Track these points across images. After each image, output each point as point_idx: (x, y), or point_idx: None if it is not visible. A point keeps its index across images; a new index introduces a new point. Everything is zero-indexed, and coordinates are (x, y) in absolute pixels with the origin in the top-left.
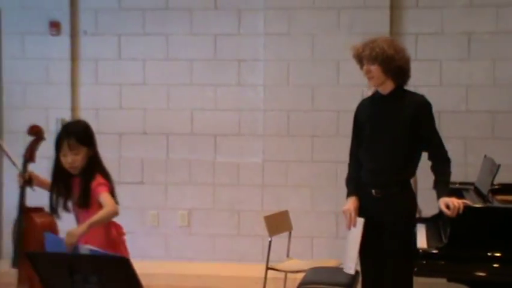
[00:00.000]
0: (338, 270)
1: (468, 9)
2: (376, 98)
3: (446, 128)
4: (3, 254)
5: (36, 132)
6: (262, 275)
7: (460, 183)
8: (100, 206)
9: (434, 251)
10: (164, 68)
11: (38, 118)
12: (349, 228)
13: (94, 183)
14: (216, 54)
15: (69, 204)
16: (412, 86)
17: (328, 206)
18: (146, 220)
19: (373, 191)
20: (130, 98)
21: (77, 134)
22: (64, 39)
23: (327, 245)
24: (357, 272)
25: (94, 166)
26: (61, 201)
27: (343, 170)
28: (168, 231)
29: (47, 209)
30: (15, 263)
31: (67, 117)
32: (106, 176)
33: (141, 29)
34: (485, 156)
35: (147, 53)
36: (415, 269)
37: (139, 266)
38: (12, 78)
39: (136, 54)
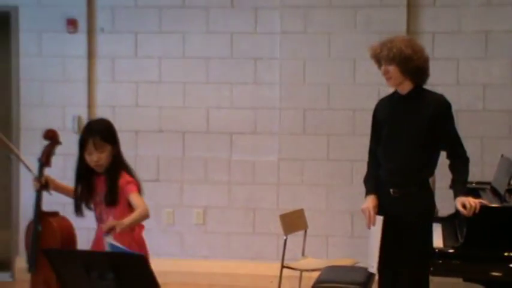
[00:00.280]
0: (353, 269)
1: (485, 7)
2: (395, 97)
3: (463, 127)
4: (20, 252)
5: (52, 137)
6: (278, 274)
7: (477, 183)
8: (127, 203)
9: (451, 251)
10: (180, 66)
11: (55, 116)
12: (368, 227)
13: (122, 181)
14: (232, 53)
15: (91, 203)
16: (429, 84)
17: (344, 204)
18: (162, 218)
19: (391, 190)
20: (147, 95)
21: (101, 132)
22: (81, 37)
23: (342, 243)
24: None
25: (119, 164)
26: (85, 200)
27: (358, 169)
28: (184, 229)
29: (62, 213)
30: (33, 267)
31: (84, 114)
32: (131, 173)
33: (157, 27)
34: (502, 155)
35: (164, 51)
36: (431, 269)
37: (155, 264)
38: (29, 76)
39: (153, 52)
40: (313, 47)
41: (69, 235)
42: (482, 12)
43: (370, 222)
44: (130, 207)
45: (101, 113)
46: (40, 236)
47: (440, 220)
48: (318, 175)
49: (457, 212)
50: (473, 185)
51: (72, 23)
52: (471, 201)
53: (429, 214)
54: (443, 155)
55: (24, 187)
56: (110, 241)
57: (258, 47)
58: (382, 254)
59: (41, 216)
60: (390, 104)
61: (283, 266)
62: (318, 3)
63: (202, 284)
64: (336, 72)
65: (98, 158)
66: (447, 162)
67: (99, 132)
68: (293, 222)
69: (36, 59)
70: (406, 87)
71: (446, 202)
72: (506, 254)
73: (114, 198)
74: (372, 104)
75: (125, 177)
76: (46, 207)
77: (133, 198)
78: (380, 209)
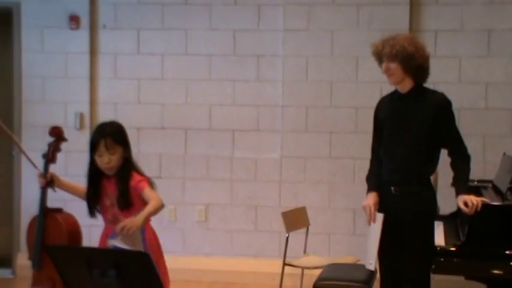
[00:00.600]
0: (355, 266)
1: (488, 6)
2: (395, 96)
3: (465, 126)
4: (21, 249)
5: (58, 133)
6: (279, 271)
7: (479, 181)
8: (142, 203)
9: (452, 249)
10: (183, 63)
11: (57, 112)
12: (369, 223)
13: (133, 182)
14: (235, 50)
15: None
16: (431, 83)
17: (346, 202)
18: (164, 215)
19: (392, 188)
20: (149, 92)
21: (112, 133)
22: (83, 33)
23: (344, 241)
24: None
25: (130, 166)
26: (95, 202)
27: (361, 167)
28: (186, 226)
29: (64, 209)
30: (38, 264)
31: (86, 111)
32: (142, 174)
33: (160, 24)
34: (504, 153)
35: (166, 48)
36: (433, 267)
37: None
38: (31, 72)
39: (155, 49)
40: (316, 44)
41: (75, 231)
42: (485, 11)
43: (371, 219)
44: (145, 205)
45: (103, 109)
46: (45, 233)
47: (442, 218)
48: (320, 173)
49: (459, 210)
50: (475, 183)
51: (74, 20)
52: (473, 199)
53: (430, 212)
54: (445, 153)
55: (26, 184)
56: (114, 244)
57: (261, 44)
58: (380, 251)
59: (46, 213)
60: (391, 102)
61: (285, 264)
62: (321, 1)
63: (204, 281)
64: (338, 70)
65: (108, 159)
66: (449, 160)
67: (110, 133)
68: (295, 219)
69: (38, 56)
70: (406, 85)
71: (448, 200)
72: (508, 252)
73: (127, 201)
74: (374, 102)
75: (135, 178)
76: (48, 203)
77: (146, 193)
78: (381, 207)
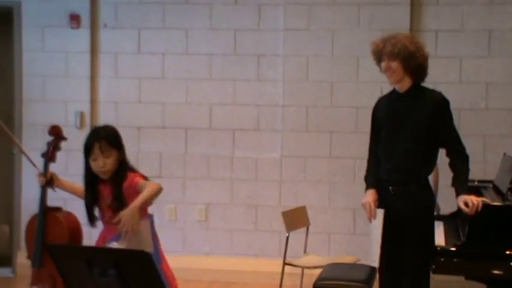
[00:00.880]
0: (355, 266)
1: (488, 6)
2: (393, 95)
3: (466, 126)
4: (21, 247)
5: (57, 132)
6: (279, 270)
7: (479, 181)
8: None
9: (452, 249)
10: (183, 62)
11: (57, 111)
12: (369, 220)
13: (126, 183)
14: (235, 49)
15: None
16: (431, 83)
17: (346, 202)
18: (164, 214)
19: (390, 188)
20: (150, 92)
21: (107, 137)
22: (84, 33)
23: (344, 241)
24: (374, 268)
25: (125, 170)
26: (93, 207)
27: (361, 166)
28: (186, 225)
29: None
30: (39, 262)
31: (86, 110)
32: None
33: (161, 23)
34: (504, 154)
35: (167, 47)
36: (433, 267)
37: None
38: (32, 71)
39: (156, 48)
40: (317, 44)
41: (76, 229)
42: (486, 11)
43: (371, 216)
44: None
45: (103, 108)
46: (46, 231)
47: (442, 218)
48: (320, 172)
49: (459, 210)
50: (476, 183)
51: (75, 19)
52: (473, 200)
53: (429, 211)
54: (444, 153)
55: (26, 183)
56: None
57: (262, 43)
58: (383, 249)
59: (46, 212)
60: (389, 102)
61: (285, 263)
62: (322, 1)
63: (204, 281)
64: (339, 70)
65: (103, 163)
66: (447, 160)
67: (105, 136)
68: (295, 219)
69: (39, 54)
70: (405, 84)
71: (448, 200)
72: (508, 252)
73: (121, 203)
74: (374, 102)
75: (129, 178)
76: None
77: (141, 185)
78: (381, 204)
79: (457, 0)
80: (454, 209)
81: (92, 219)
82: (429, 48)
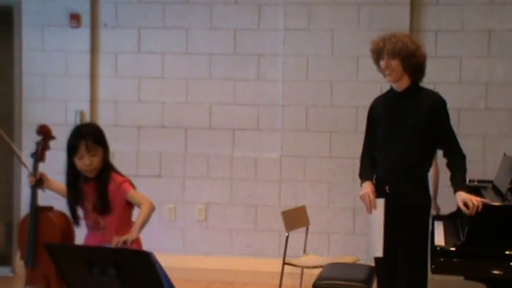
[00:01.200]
0: (355, 266)
1: (488, 6)
2: (390, 95)
3: (465, 126)
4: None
5: (46, 132)
6: (279, 270)
7: (479, 181)
8: (124, 205)
9: (452, 249)
10: (183, 61)
11: (57, 110)
12: (369, 212)
13: (113, 185)
14: (235, 49)
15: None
16: (431, 83)
17: (346, 202)
18: (164, 214)
19: (386, 187)
20: (149, 91)
21: (93, 134)
22: (84, 32)
23: (343, 241)
24: (373, 268)
25: (109, 169)
26: (76, 207)
27: None
28: (186, 225)
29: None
30: (32, 262)
31: (86, 109)
32: (121, 175)
33: (161, 23)
34: (504, 154)
35: (167, 47)
36: (433, 267)
37: None
38: (32, 70)
39: (156, 48)
40: (317, 44)
41: (68, 229)
42: (486, 11)
43: (371, 207)
44: (129, 207)
45: (103, 108)
46: (38, 231)
47: (442, 218)
48: (320, 172)
49: (459, 210)
50: (475, 183)
51: (75, 18)
52: (473, 200)
53: (425, 211)
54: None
55: (26, 182)
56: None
57: (261, 43)
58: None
59: (37, 212)
60: (386, 101)
61: (284, 263)
62: (322, 0)
63: (203, 280)
64: (339, 69)
65: (90, 161)
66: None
67: (91, 134)
68: (295, 219)
69: (39, 54)
70: (403, 83)
71: (448, 200)
72: (507, 252)
73: (106, 206)
74: None
75: (115, 181)
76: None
77: (133, 196)
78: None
79: (457, 0)
80: (454, 209)
81: (75, 218)
82: (429, 48)
